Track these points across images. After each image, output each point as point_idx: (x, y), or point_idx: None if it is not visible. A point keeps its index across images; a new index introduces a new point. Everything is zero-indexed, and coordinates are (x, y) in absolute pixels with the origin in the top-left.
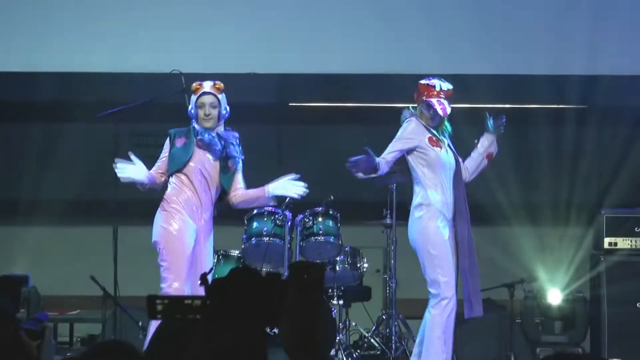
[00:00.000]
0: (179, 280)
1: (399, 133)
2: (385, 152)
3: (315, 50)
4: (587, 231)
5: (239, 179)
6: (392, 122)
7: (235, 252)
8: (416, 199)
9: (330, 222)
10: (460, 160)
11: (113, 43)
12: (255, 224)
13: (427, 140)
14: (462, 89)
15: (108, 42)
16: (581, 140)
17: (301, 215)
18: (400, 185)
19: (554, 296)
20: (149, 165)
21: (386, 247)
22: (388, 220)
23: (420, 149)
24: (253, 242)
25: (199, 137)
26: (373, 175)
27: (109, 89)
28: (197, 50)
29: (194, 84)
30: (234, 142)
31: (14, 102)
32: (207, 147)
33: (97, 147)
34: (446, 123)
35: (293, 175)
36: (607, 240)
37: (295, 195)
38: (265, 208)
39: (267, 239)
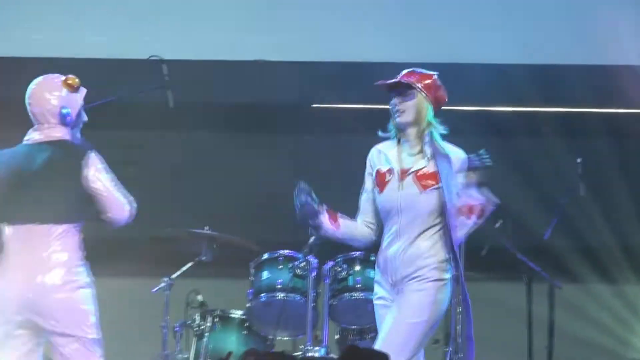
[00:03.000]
0: None
1: None
2: None
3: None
4: None
5: None
6: None
7: (238, 314)
8: None
9: (372, 273)
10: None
11: (62, 19)
12: (265, 274)
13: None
14: None
15: (56, 17)
16: None
17: (331, 263)
18: None
19: None
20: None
21: (449, 308)
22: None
23: None
24: (262, 299)
25: None
26: None
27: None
28: (180, 29)
29: (74, 78)
30: None
31: None
32: None
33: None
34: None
35: None
36: None
37: None
38: (281, 252)
39: (283, 295)
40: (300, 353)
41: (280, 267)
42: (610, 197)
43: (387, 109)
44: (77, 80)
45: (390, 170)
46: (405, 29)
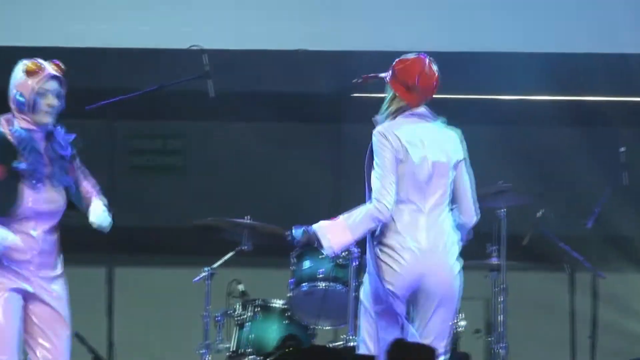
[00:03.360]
0: None
1: None
2: None
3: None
4: None
5: None
6: None
7: (280, 303)
8: None
9: None
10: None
11: (108, 10)
12: (307, 264)
13: None
14: None
15: (102, 9)
16: None
17: None
18: (511, 209)
19: None
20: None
21: (491, 297)
22: (494, 260)
23: None
24: (304, 288)
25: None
26: None
27: (101, 71)
28: (221, 19)
29: (29, 63)
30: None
31: None
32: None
33: (86, 152)
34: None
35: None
36: None
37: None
38: None
39: (324, 284)
40: (341, 342)
41: (322, 256)
42: None
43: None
44: (31, 65)
45: None
46: (440, 18)
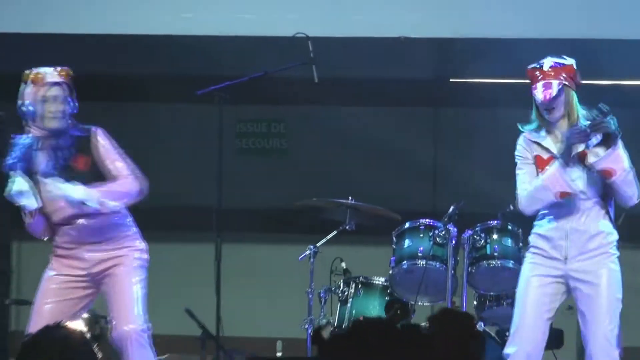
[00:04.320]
0: None
1: None
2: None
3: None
4: None
5: None
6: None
7: (381, 280)
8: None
9: (510, 241)
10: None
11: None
12: (407, 242)
13: (535, 161)
14: None
15: None
16: None
17: (470, 231)
18: None
19: None
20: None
21: None
22: None
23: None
24: (404, 266)
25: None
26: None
27: (213, 57)
28: (325, 7)
29: (30, 74)
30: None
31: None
32: None
33: (195, 135)
34: (579, 111)
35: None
36: None
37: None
38: (422, 221)
39: (424, 262)
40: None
41: (421, 235)
42: None
43: (524, 83)
44: (32, 75)
45: (551, 158)
46: (539, 5)
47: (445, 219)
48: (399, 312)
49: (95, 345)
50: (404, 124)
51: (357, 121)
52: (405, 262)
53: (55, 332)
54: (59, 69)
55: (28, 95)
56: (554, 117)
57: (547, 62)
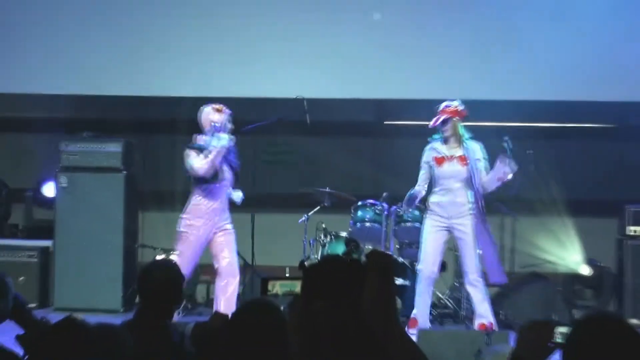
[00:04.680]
0: None
1: None
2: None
3: (414, 76)
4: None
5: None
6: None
7: (344, 234)
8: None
9: (417, 212)
10: (476, 167)
11: (249, 70)
12: (359, 213)
13: (433, 160)
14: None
15: (245, 69)
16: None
17: (395, 207)
18: None
19: (585, 270)
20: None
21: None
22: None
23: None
24: (358, 226)
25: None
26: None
27: (248, 111)
28: (317, 79)
29: (216, 105)
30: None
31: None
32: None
33: (241, 154)
34: (461, 132)
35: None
36: (630, 228)
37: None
38: (368, 201)
39: (369, 224)
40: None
41: (368, 209)
42: None
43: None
44: (218, 106)
45: (444, 157)
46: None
47: (381, 200)
48: (353, 247)
49: None
50: (361, 152)
51: (330, 145)
52: (358, 223)
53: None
54: (222, 105)
55: (214, 116)
56: (446, 134)
57: (442, 105)
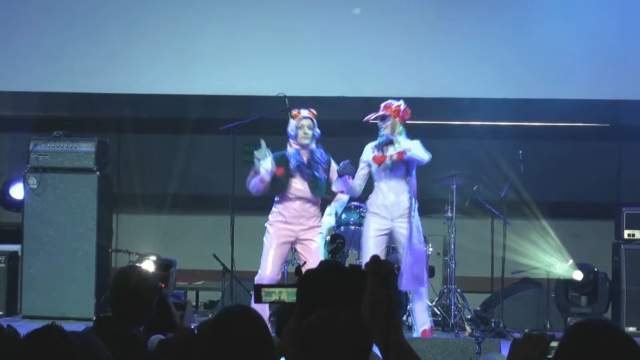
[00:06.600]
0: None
1: None
2: None
3: (395, 76)
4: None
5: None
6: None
7: (327, 227)
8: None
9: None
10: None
11: (236, 70)
12: (344, 216)
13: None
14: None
15: (231, 69)
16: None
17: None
18: (459, 186)
19: (578, 275)
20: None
21: (447, 235)
22: (449, 214)
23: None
24: (342, 230)
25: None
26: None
27: (230, 109)
28: (298, 76)
29: (293, 111)
30: (320, 158)
31: (166, 118)
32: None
33: (220, 154)
34: (399, 129)
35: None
36: (626, 231)
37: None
38: (352, 203)
39: (354, 227)
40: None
41: (352, 211)
42: None
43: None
44: (294, 112)
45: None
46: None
47: (365, 203)
48: (339, 243)
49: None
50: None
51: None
52: (342, 227)
53: None
54: (309, 109)
55: (291, 124)
56: (386, 132)
57: (384, 103)
